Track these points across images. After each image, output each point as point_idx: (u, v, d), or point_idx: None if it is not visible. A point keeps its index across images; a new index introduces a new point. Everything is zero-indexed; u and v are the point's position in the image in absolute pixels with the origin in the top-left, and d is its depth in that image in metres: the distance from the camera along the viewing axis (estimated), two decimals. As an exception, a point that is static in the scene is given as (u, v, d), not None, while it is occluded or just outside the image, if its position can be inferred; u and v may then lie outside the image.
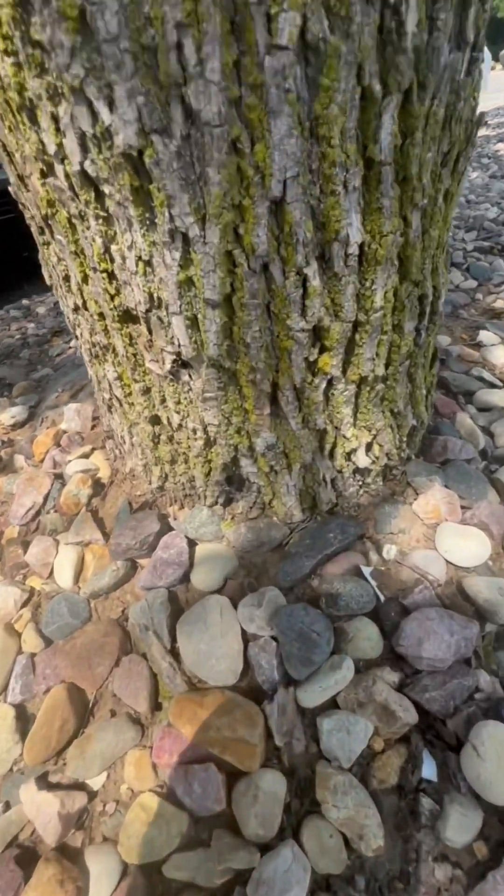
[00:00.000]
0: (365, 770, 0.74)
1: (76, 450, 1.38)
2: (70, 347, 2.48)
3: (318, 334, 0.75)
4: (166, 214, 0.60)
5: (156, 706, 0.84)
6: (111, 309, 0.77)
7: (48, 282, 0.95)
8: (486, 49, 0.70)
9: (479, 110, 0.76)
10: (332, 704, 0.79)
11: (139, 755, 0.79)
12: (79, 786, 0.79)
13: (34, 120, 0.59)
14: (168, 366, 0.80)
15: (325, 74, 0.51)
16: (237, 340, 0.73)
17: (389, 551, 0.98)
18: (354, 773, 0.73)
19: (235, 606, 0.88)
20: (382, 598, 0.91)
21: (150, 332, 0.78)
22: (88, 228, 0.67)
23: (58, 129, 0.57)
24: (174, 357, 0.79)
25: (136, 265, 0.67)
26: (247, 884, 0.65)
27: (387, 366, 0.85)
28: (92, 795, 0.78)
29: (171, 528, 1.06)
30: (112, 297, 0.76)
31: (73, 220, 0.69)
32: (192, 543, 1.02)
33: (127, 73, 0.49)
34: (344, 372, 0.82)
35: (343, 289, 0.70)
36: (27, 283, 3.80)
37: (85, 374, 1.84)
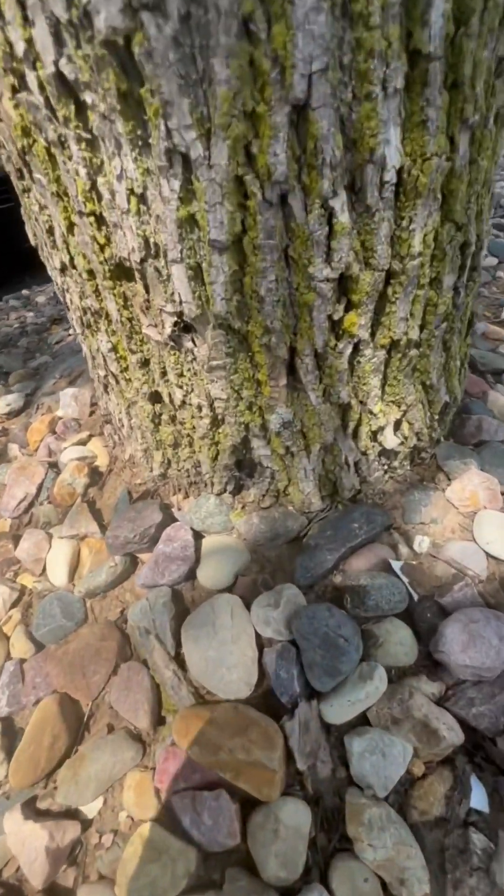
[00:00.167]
0: (403, 799, 0.63)
1: (72, 436, 1.28)
2: (69, 335, 2.38)
3: (344, 287, 0.64)
4: (162, 128, 0.49)
5: (158, 721, 0.74)
6: (101, 262, 0.66)
7: (32, 242, 0.84)
8: None
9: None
10: (363, 721, 0.68)
11: (140, 778, 0.68)
12: (71, 814, 0.68)
13: (-3, 11, 0.47)
14: (168, 330, 0.69)
15: None
16: (249, 294, 0.62)
17: (421, 543, 0.86)
18: (391, 803, 0.62)
19: (248, 607, 0.77)
20: (416, 596, 0.79)
21: (146, 289, 0.67)
22: (70, 158, 0.56)
23: (26, 19, 0.46)
24: (175, 319, 0.68)
25: (128, 201, 0.56)
26: (267, 939, 0.54)
27: (421, 328, 0.74)
28: (86, 825, 0.68)
29: (174, 520, 0.95)
30: (102, 248, 0.65)
31: (53, 150, 0.58)
32: (198, 536, 0.91)
33: None
34: (372, 335, 0.71)
35: (376, 227, 0.58)
36: (28, 275, 3.70)
37: (82, 361, 1.73)
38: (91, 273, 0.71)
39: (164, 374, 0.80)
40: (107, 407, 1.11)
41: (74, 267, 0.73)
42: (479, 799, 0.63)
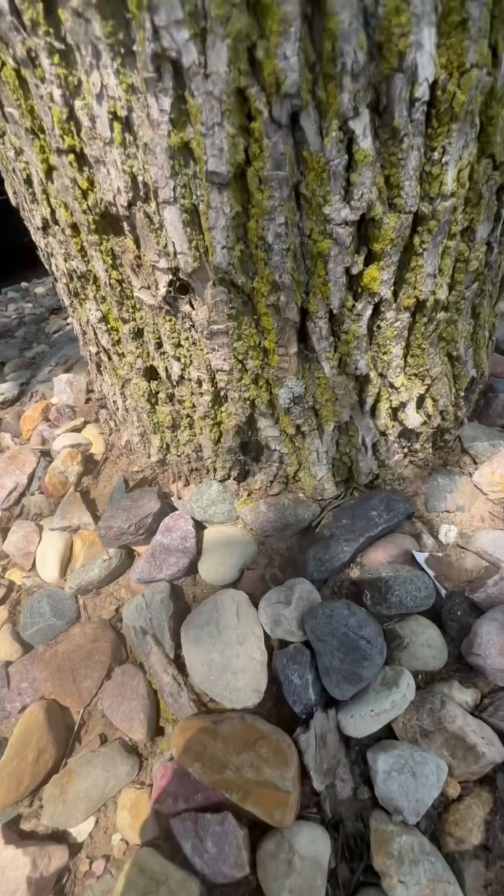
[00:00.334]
0: (437, 825, 0.55)
1: (66, 423, 1.20)
2: (67, 324, 2.31)
3: (364, 235, 0.55)
4: (147, 26, 0.40)
5: (156, 731, 0.66)
6: (85, 212, 0.58)
7: (13, 201, 0.76)
8: None
9: None
10: (388, 733, 0.60)
11: (135, 797, 0.61)
12: (58, 836, 0.61)
13: None
14: (162, 290, 0.61)
15: None
16: (254, 242, 0.53)
17: (448, 533, 0.78)
18: (423, 829, 0.54)
19: (255, 604, 0.69)
20: (444, 591, 0.71)
21: (136, 242, 0.59)
22: (43, 80, 0.48)
23: None
24: (170, 277, 0.59)
25: (111, 127, 0.48)
26: None
27: (450, 288, 0.65)
28: (75, 850, 0.60)
29: (173, 509, 0.87)
30: (84, 194, 0.56)
31: (23, 72, 0.49)
32: (199, 527, 0.83)
33: None
34: (395, 295, 0.62)
35: (404, 158, 0.49)
36: (29, 270, 3.62)
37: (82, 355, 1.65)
38: (75, 228, 0.63)
39: (159, 345, 0.72)
40: (101, 389, 1.03)
41: (56, 222, 0.65)
42: (524, 824, 0.54)
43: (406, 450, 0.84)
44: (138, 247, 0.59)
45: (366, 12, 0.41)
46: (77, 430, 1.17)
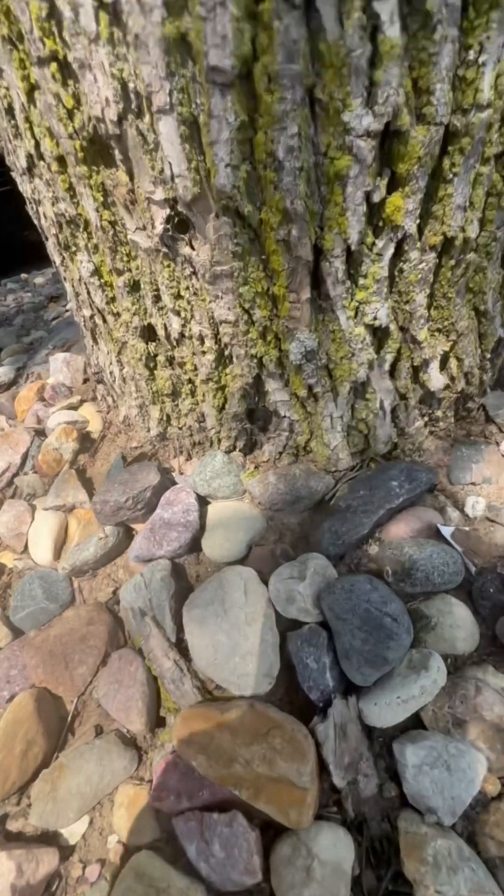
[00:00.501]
0: (475, 827, 0.48)
1: (61, 401, 1.14)
2: (67, 310, 2.25)
3: (388, 153, 0.48)
4: None
5: (156, 722, 0.60)
6: (72, 136, 0.51)
7: (-3, 145, 0.69)
8: None
9: None
10: (415, 723, 0.53)
11: (133, 794, 0.54)
12: (48, 838, 0.55)
13: None
14: (159, 228, 0.54)
15: None
16: (261, 160, 0.46)
17: (475, 506, 0.71)
18: (460, 832, 0.47)
19: (266, 583, 0.62)
20: (473, 568, 0.64)
21: (129, 173, 0.52)
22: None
23: None
24: (167, 212, 0.53)
25: (97, 19, 0.41)
26: None
27: (481, 225, 0.58)
28: (66, 853, 0.54)
29: (175, 484, 0.80)
30: (70, 114, 0.50)
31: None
32: (203, 502, 0.77)
33: None
34: (420, 231, 0.55)
35: (436, 53, 0.42)
36: (30, 265, 3.56)
37: (79, 331, 1.60)
38: (61, 162, 0.57)
39: (157, 298, 0.65)
40: (97, 361, 0.97)
41: (42, 157, 0.58)
42: None
43: (427, 417, 0.77)
44: (131, 178, 0.53)
45: None
46: (73, 407, 1.11)
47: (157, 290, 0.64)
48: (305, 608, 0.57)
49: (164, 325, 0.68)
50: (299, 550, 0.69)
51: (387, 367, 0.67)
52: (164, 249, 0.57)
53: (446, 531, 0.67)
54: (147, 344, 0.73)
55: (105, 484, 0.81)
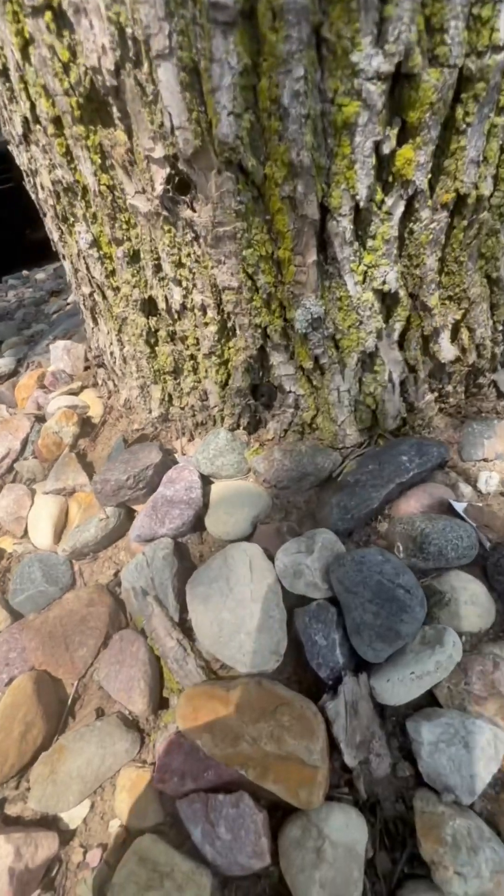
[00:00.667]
0: (495, 806, 0.46)
1: (62, 387, 1.12)
2: (68, 304, 2.24)
3: (398, 100, 0.46)
4: None
5: (159, 703, 0.58)
6: (67, 93, 0.50)
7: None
8: None
9: None
10: (430, 701, 0.51)
11: (136, 776, 0.52)
12: (47, 822, 0.53)
13: None
14: (159, 188, 0.52)
15: None
16: (266, 109, 0.44)
17: (489, 481, 0.68)
18: (479, 811, 0.45)
19: (271, 559, 0.60)
20: (487, 543, 0.61)
21: (128, 131, 0.50)
22: None
23: None
24: (167, 170, 0.51)
25: (91, -44, 0.39)
26: None
27: (495, 182, 0.55)
28: (66, 837, 0.52)
29: (177, 463, 0.78)
30: (66, 68, 0.48)
31: None
32: (206, 481, 0.75)
33: None
34: (432, 188, 0.53)
35: (449, -13, 0.40)
36: (32, 263, 3.55)
37: (80, 322, 1.58)
38: (58, 123, 0.55)
39: (157, 267, 0.63)
40: (98, 344, 0.95)
41: (38, 120, 0.57)
42: None
43: (437, 393, 0.75)
44: (130, 136, 0.51)
45: None
46: (74, 393, 1.09)
47: (158, 258, 0.62)
48: (314, 582, 0.54)
49: (165, 296, 0.66)
50: (306, 528, 0.67)
51: (395, 336, 0.65)
52: (165, 213, 0.55)
53: (459, 506, 0.65)
54: (148, 318, 0.71)
55: (106, 464, 0.79)
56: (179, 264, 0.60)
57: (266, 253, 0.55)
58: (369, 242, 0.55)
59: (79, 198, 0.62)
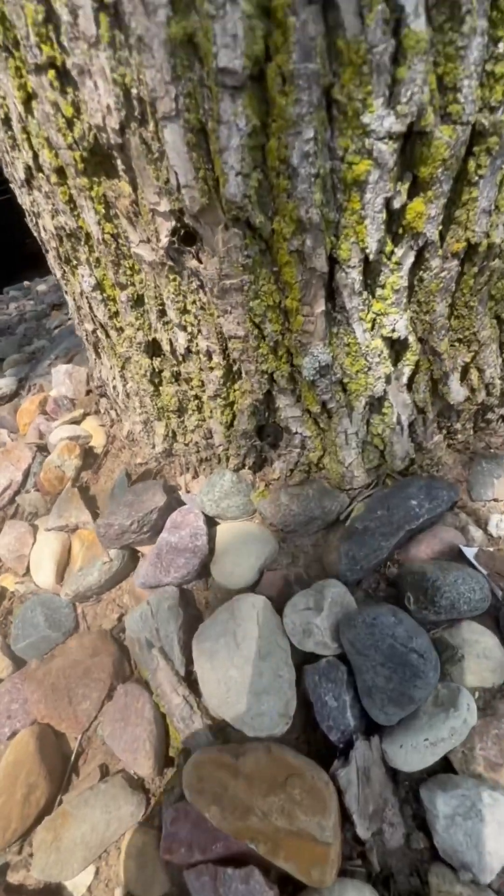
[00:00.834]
0: (515, 885, 0.44)
1: (64, 415, 1.11)
2: (69, 318, 2.23)
3: (410, 156, 0.45)
4: None
5: (164, 762, 0.56)
6: (71, 147, 0.49)
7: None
8: None
9: None
10: (444, 765, 0.50)
11: (142, 843, 0.51)
12: (51, 891, 0.51)
13: None
14: (164, 240, 0.51)
15: None
16: (274, 168, 0.43)
17: (500, 524, 0.67)
18: (499, 891, 0.44)
19: (279, 610, 0.59)
20: (500, 593, 0.60)
21: (132, 183, 0.49)
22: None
23: None
24: (173, 223, 0.50)
25: (97, 21, 0.38)
26: None
27: (506, 231, 0.54)
28: (71, 908, 0.50)
29: (182, 503, 0.77)
30: (69, 123, 0.47)
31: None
32: (211, 523, 0.74)
33: None
34: (442, 237, 0.52)
35: (464, 46, 0.39)
36: (33, 271, 3.55)
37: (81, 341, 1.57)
38: (61, 173, 0.54)
39: (162, 312, 0.62)
40: (100, 375, 0.94)
41: (40, 168, 0.56)
42: None
43: (446, 430, 0.74)
44: (135, 188, 0.50)
45: None
46: (76, 422, 1.08)
47: (162, 304, 0.61)
48: (323, 642, 0.53)
49: (170, 340, 0.65)
50: (314, 574, 0.66)
51: (404, 380, 0.63)
52: (170, 263, 0.54)
53: (469, 552, 0.64)
54: (151, 359, 0.70)
55: (109, 505, 0.78)
56: (184, 311, 0.59)
57: (273, 303, 0.54)
58: (378, 291, 0.54)
59: (82, 243, 0.61)
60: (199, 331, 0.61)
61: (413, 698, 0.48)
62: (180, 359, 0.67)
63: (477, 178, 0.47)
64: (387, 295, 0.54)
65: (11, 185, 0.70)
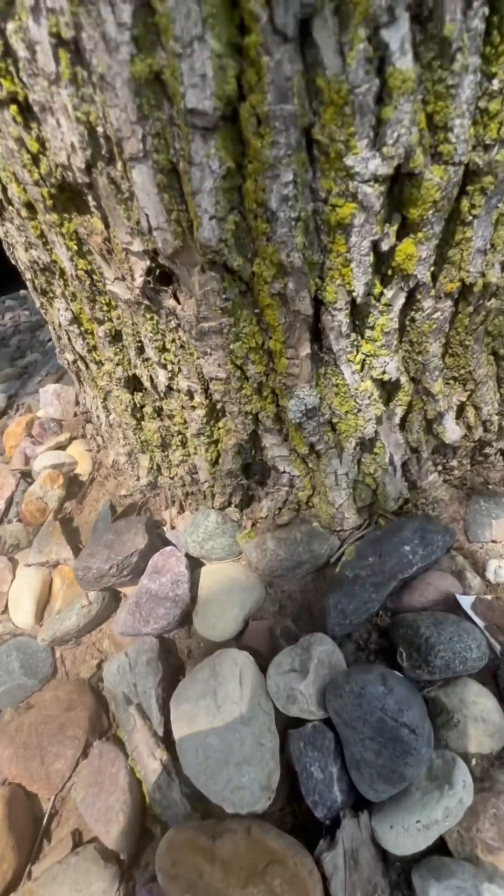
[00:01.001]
0: None
1: (50, 440, 1.08)
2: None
3: (398, 196, 0.42)
4: None
5: (140, 833, 0.53)
6: (38, 184, 0.46)
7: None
8: None
9: None
10: (440, 848, 0.46)
11: (114, 926, 0.47)
12: None
13: None
14: (139, 281, 0.48)
15: None
16: (252, 210, 0.40)
17: (499, 571, 0.64)
18: None
19: (265, 667, 0.55)
20: (499, 647, 0.57)
21: (104, 221, 0.46)
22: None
23: None
24: (147, 263, 0.47)
25: (56, 58, 0.35)
26: None
27: (503, 267, 0.51)
28: None
29: (166, 542, 0.74)
30: (35, 160, 0.44)
31: None
32: (196, 563, 0.70)
33: None
34: (435, 277, 0.49)
35: (455, 84, 0.36)
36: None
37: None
38: (31, 208, 0.51)
39: (140, 349, 0.59)
40: (85, 402, 0.91)
41: (10, 202, 0.53)
42: None
43: (441, 467, 0.70)
44: (107, 226, 0.47)
45: None
46: (62, 447, 1.05)
47: (141, 341, 0.58)
48: (308, 709, 0.50)
49: (150, 376, 0.62)
50: (302, 623, 0.62)
51: (397, 420, 0.60)
52: (146, 302, 0.51)
53: (466, 602, 0.60)
54: (133, 395, 0.67)
55: (89, 544, 0.74)
56: (163, 349, 0.56)
57: (256, 344, 0.51)
58: (367, 333, 0.51)
59: (57, 277, 0.58)
60: (180, 370, 0.57)
61: (404, 776, 0.45)
62: (162, 395, 0.63)
63: (471, 217, 0.44)
64: (376, 336, 0.51)
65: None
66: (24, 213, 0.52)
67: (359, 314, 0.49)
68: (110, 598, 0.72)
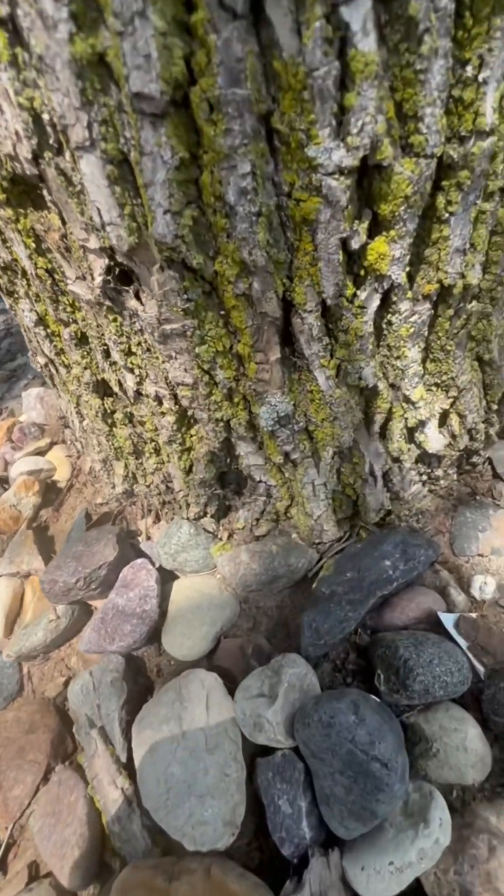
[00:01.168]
0: None
1: (29, 444, 1.05)
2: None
3: (368, 190, 0.39)
4: None
5: (97, 868, 0.49)
6: (-12, 176, 0.43)
7: None
8: None
9: None
10: (416, 891, 0.43)
11: None
12: None
13: None
14: (98, 280, 0.46)
15: None
16: (210, 204, 0.37)
17: (484, 587, 0.61)
18: None
19: (232, 692, 0.52)
20: (482, 670, 0.53)
21: (61, 216, 0.44)
22: None
23: None
24: (106, 261, 0.44)
25: (-8, 37, 0.33)
26: None
27: (484, 269, 0.48)
28: None
29: (140, 554, 0.71)
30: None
31: None
32: (169, 576, 0.67)
33: None
34: (411, 278, 0.46)
35: (424, 69, 0.33)
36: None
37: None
38: (-15, 202, 0.48)
39: (107, 353, 0.56)
40: (61, 406, 0.88)
41: (-34, 197, 0.50)
42: None
43: (425, 477, 0.67)
44: (64, 222, 0.44)
45: None
46: (41, 452, 1.02)
47: (106, 344, 0.55)
48: (276, 738, 0.46)
49: (119, 380, 0.59)
50: (277, 641, 0.59)
51: (376, 428, 0.57)
52: (108, 303, 0.48)
53: (448, 620, 0.57)
54: (103, 400, 0.64)
55: (58, 556, 0.71)
56: (129, 353, 0.53)
57: (223, 348, 0.48)
58: (341, 337, 0.48)
59: (19, 276, 0.56)
60: (147, 374, 0.55)
61: (375, 813, 0.41)
62: (131, 400, 0.61)
63: (447, 215, 0.42)
64: (350, 341, 0.48)
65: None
66: (-22, 208, 0.49)
67: (331, 317, 0.46)
68: (80, 612, 0.69)
